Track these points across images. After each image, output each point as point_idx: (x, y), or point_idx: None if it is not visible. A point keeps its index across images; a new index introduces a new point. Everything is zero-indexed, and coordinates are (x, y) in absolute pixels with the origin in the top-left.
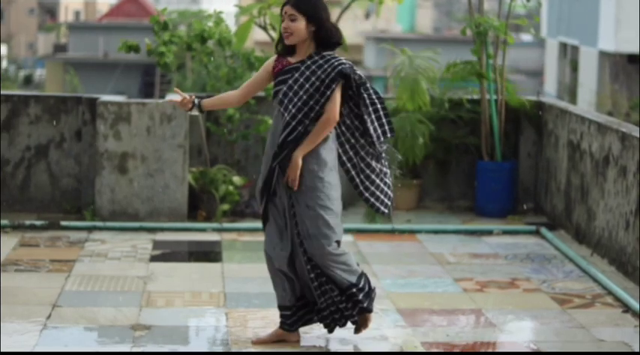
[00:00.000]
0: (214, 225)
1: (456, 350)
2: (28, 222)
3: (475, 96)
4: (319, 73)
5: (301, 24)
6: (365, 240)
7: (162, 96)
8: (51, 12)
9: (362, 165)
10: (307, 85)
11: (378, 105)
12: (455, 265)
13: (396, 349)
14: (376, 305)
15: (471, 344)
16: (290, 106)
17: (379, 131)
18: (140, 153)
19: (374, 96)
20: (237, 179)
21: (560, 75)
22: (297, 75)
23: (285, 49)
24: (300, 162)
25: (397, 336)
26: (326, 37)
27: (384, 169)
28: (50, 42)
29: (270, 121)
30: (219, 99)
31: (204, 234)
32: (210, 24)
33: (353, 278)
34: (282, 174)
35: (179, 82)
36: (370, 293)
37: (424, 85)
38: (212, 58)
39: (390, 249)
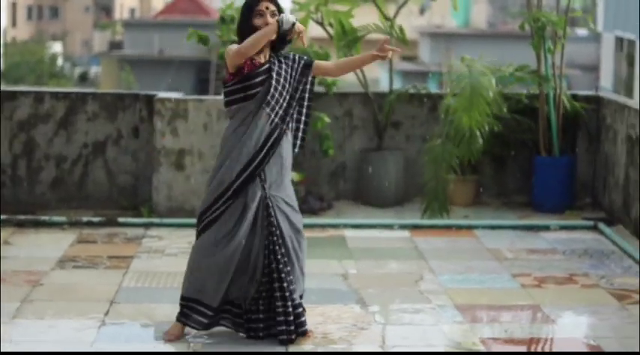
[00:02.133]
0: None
1: (515, 345)
2: (85, 219)
3: (532, 92)
4: (291, 71)
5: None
6: (421, 236)
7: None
8: (106, 9)
9: None
10: (287, 86)
11: (303, 118)
12: (512, 261)
13: (454, 345)
14: (434, 301)
15: (529, 340)
16: (277, 107)
17: (303, 143)
18: (197, 150)
19: (305, 108)
20: (293, 175)
21: (616, 69)
22: (276, 76)
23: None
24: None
25: (455, 332)
26: (283, 34)
27: None
28: (105, 39)
29: (326, 118)
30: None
31: None
32: None
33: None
34: (263, 174)
35: None
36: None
37: (483, 101)
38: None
39: (447, 245)
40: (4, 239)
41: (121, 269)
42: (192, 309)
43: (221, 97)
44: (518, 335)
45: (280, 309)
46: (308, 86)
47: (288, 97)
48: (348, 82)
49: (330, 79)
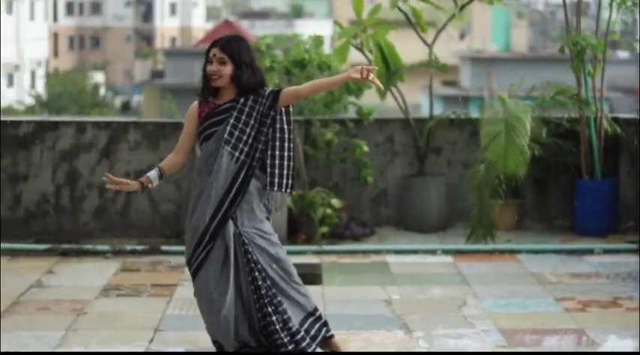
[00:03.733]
0: (314, 247)
1: None
2: (129, 248)
3: (573, 115)
4: (257, 106)
5: (229, 67)
6: (464, 261)
7: None
8: (147, 39)
9: None
10: (252, 122)
11: (286, 154)
12: (556, 285)
13: None
14: (478, 326)
15: None
16: (241, 145)
17: (281, 180)
18: None
19: (286, 142)
20: (335, 201)
21: None
22: (236, 113)
23: (210, 92)
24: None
25: None
26: (246, 80)
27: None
28: (147, 68)
29: (365, 146)
30: (168, 166)
31: (304, 257)
32: (308, 46)
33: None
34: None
35: None
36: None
37: (518, 146)
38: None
39: (490, 270)
40: (49, 268)
41: (164, 297)
42: (221, 348)
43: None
44: (586, 351)
45: (279, 341)
46: (280, 117)
47: (253, 133)
48: (389, 108)
49: (365, 109)
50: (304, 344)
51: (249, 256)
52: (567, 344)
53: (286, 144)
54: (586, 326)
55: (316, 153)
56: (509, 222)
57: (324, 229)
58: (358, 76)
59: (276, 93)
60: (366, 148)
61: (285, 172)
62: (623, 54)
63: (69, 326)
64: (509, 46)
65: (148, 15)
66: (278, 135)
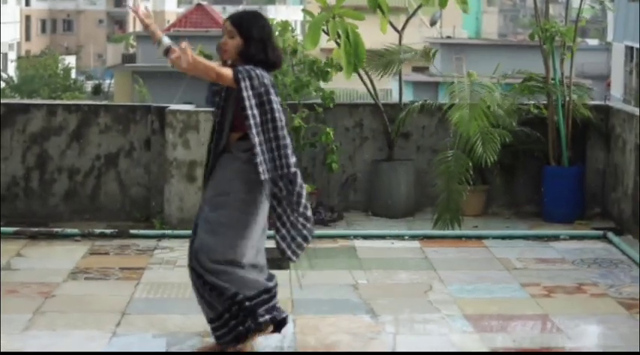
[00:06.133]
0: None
1: None
2: (98, 231)
3: (542, 102)
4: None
5: (237, 41)
6: (431, 246)
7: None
8: (120, 22)
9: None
10: (224, 96)
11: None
12: (522, 270)
13: None
14: (443, 311)
15: (538, 350)
16: (215, 117)
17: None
18: None
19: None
20: (307, 187)
21: (626, 79)
22: (224, 88)
23: (223, 64)
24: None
25: (464, 342)
26: (252, 55)
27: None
28: (119, 52)
29: (331, 132)
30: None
31: (272, 241)
32: (276, 33)
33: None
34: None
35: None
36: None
37: (482, 113)
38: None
39: (457, 255)
40: (17, 251)
41: (132, 280)
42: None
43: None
44: (528, 345)
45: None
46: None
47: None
48: (359, 93)
49: (327, 92)
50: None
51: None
52: (532, 329)
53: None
54: (551, 311)
55: None
56: (476, 207)
57: None
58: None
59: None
60: (332, 135)
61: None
62: (592, 41)
63: (36, 309)
64: (479, 32)
65: None
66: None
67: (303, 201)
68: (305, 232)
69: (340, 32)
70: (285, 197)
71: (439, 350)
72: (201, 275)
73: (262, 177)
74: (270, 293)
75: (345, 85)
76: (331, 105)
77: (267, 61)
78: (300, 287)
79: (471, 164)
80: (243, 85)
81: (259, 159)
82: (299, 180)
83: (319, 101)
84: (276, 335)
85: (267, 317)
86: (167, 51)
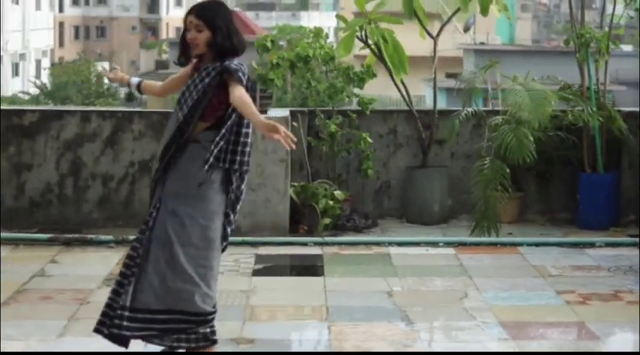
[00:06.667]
0: (316, 239)
1: None
2: (131, 237)
3: (577, 108)
4: (213, 73)
5: (205, 34)
6: (466, 253)
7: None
8: (152, 29)
9: None
10: (200, 86)
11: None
12: (557, 277)
13: None
14: (479, 318)
15: None
16: (184, 107)
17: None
18: None
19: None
20: (338, 193)
21: None
22: (195, 78)
23: (187, 60)
24: (261, 119)
25: (500, 349)
26: (220, 45)
27: None
28: (152, 58)
29: (369, 138)
30: (150, 86)
31: (306, 248)
32: (309, 41)
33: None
34: (165, 173)
35: (279, 97)
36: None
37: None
38: (313, 74)
39: (492, 262)
40: (52, 257)
41: None
42: None
43: (266, 115)
44: (564, 352)
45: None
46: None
47: (195, 96)
48: (393, 100)
49: (366, 98)
50: (125, 324)
51: (148, 219)
52: (568, 336)
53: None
54: (586, 319)
55: (319, 145)
56: (511, 214)
57: (327, 220)
58: (273, 135)
59: (221, 76)
60: (370, 140)
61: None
62: (626, 47)
63: (71, 316)
64: (513, 38)
65: (153, 5)
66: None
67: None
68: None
69: (378, 37)
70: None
71: None
72: None
73: (221, 164)
74: None
75: (377, 91)
76: (368, 112)
77: (233, 49)
78: None
79: (508, 170)
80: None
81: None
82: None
83: (352, 107)
84: (310, 342)
85: None
86: (138, 86)
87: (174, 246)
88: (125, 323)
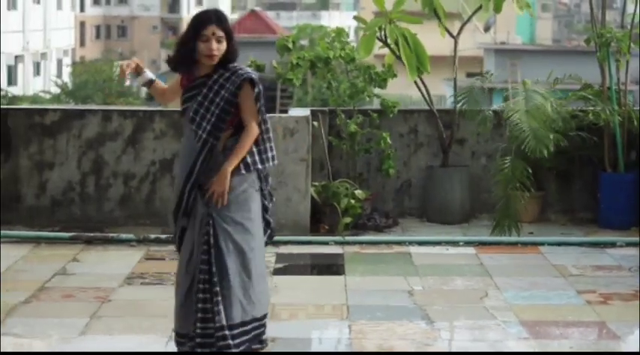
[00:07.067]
0: (337, 238)
1: None
2: (153, 236)
3: (598, 108)
4: (228, 85)
5: (224, 45)
6: (487, 253)
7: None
8: (173, 28)
9: None
10: (217, 99)
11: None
12: (578, 277)
13: None
14: (499, 318)
15: None
16: (204, 123)
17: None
18: None
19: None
20: (359, 192)
21: None
22: (205, 90)
23: (183, 67)
24: (229, 174)
25: (520, 348)
26: (231, 54)
27: None
28: None
29: (388, 138)
30: (158, 88)
31: (327, 247)
32: (329, 40)
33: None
34: (200, 193)
35: (300, 97)
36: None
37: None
38: (334, 74)
39: (513, 262)
40: (74, 256)
41: None
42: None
43: (287, 115)
44: (584, 351)
45: (197, 331)
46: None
47: (218, 112)
48: (413, 99)
49: (390, 101)
50: (226, 342)
51: (207, 238)
52: (589, 336)
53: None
54: (607, 318)
55: (340, 144)
56: (532, 214)
57: (347, 220)
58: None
59: (250, 82)
60: (389, 140)
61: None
62: None
63: (93, 314)
64: (533, 38)
65: (174, 5)
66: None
67: None
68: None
69: (398, 36)
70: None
71: None
72: None
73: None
74: None
75: (398, 91)
76: (391, 115)
77: (235, 58)
78: None
79: (529, 169)
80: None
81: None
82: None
83: (373, 107)
84: (331, 340)
85: None
86: (150, 82)
87: (247, 254)
88: (230, 341)
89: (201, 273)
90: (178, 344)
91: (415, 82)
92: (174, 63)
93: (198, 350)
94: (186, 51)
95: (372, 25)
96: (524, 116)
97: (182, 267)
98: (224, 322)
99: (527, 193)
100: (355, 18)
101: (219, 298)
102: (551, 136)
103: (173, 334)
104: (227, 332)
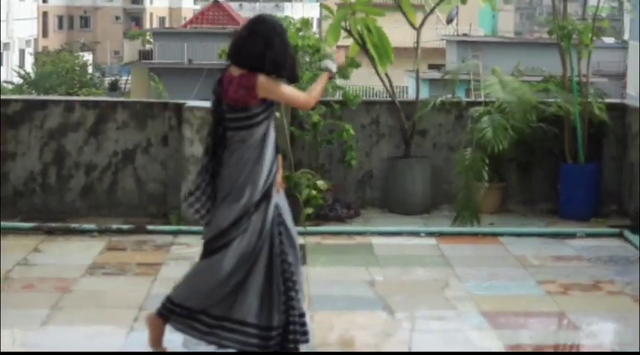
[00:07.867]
0: (298, 228)
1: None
2: (115, 227)
3: (558, 100)
4: None
5: None
6: (447, 243)
7: None
8: (136, 19)
9: None
10: None
11: None
12: (538, 268)
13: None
14: (460, 308)
15: (554, 347)
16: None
17: None
18: None
19: None
20: (321, 183)
21: None
22: None
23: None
24: None
25: (480, 339)
26: None
27: None
28: (135, 49)
29: (351, 130)
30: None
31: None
32: (296, 29)
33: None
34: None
35: None
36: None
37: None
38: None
39: (473, 252)
40: (35, 246)
41: (149, 276)
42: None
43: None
44: (544, 342)
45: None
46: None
47: None
48: (375, 90)
49: (351, 94)
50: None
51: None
52: (548, 326)
53: None
54: (567, 309)
55: (303, 135)
56: (493, 205)
57: (309, 210)
58: None
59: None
60: (352, 132)
61: None
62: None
63: (54, 304)
64: (495, 30)
65: None
66: None
67: None
68: None
69: (362, 28)
70: None
71: (455, 346)
72: None
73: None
74: None
75: (360, 82)
76: (354, 107)
77: None
78: None
79: (487, 161)
80: None
81: None
82: None
83: (335, 98)
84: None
85: None
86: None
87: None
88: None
89: (282, 265)
90: (170, 311)
91: (378, 74)
92: (292, 71)
93: (278, 339)
94: (290, 64)
95: (340, 15)
96: (506, 95)
97: (242, 254)
98: (304, 310)
99: (487, 184)
100: (322, 6)
101: (298, 287)
102: (511, 132)
103: (162, 304)
104: (305, 320)
